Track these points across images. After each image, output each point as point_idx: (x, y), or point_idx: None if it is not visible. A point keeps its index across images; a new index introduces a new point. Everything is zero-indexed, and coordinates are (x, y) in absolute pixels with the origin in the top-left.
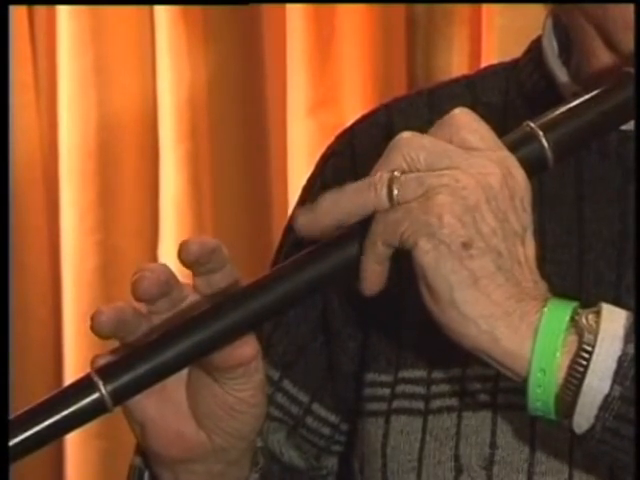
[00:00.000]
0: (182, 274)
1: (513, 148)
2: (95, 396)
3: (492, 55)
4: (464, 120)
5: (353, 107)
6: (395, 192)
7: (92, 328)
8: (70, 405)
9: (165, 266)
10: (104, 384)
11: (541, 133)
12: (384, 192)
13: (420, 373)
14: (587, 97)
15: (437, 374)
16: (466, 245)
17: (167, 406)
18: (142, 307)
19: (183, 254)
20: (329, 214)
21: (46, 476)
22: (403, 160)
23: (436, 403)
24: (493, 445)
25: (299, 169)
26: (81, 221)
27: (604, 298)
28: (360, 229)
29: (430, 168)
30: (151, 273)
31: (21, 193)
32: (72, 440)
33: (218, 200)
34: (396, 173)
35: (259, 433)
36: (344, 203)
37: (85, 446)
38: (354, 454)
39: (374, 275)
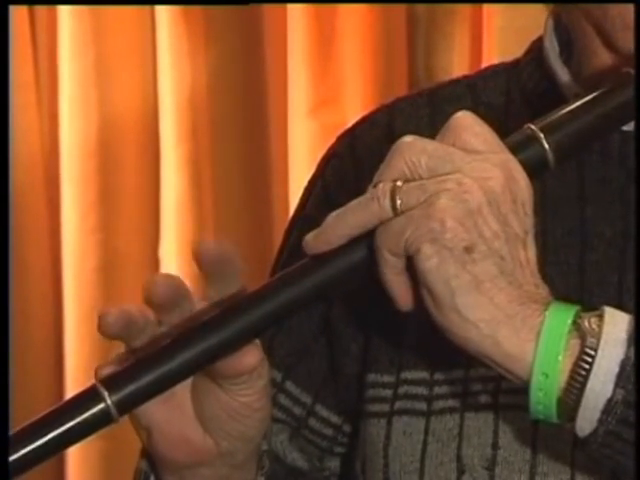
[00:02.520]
0: (183, 265)
1: (514, 150)
2: (100, 406)
3: (493, 55)
4: (466, 123)
5: (354, 107)
6: (398, 202)
7: (99, 328)
8: (75, 416)
9: (178, 277)
10: (109, 394)
11: (542, 135)
12: (387, 203)
13: (422, 374)
14: (588, 99)
15: (439, 375)
16: (468, 249)
17: (173, 411)
18: (150, 313)
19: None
20: (336, 231)
21: (47, 476)
22: (405, 165)
23: (438, 404)
24: (495, 446)
25: (300, 169)
26: (82, 221)
27: (606, 299)
28: (362, 235)
29: (432, 172)
30: (164, 281)
31: (22, 193)
32: None
33: (219, 200)
34: (398, 183)
35: (264, 436)
36: (349, 218)
37: (86, 447)
38: (356, 455)
39: (399, 287)
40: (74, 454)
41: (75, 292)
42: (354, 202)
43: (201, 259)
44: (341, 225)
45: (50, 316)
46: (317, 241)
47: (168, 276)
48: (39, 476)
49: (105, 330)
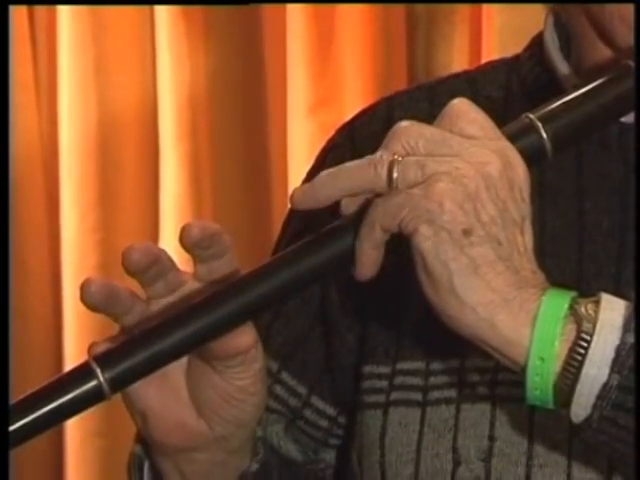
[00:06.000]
0: (182, 265)
1: (512, 139)
2: (93, 383)
3: (492, 55)
4: (463, 110)
5: (353, 107)
6: (395, 175)
7: (81, 298)
8: (68, 392)
9: (158, 247)
10: (102, 371)
11: (540, 124)
12: (384, 173)
13: (418, 365)
14: (586, 89)
15: (435, 366)
16: (466, 232)
17: (167, 394)
18: (140, 291)
19: (184, 237)
20: (326, 187)
21: (46, 474)
22: (402, 148)
23: (434, 395)
24: (491, 437)
25: (299, 169)
26: (81, 220)
27: (604, 290)
28: (358, 217)
29: (430, 155)
30: (139, 245)
31: (21, 192)
32: (72, 438)
33: (218, 199)
34: (397, 157)
35: (259, 422)
36: (342, 178)
37: (85, 444)
38: (352, 446)
39: (370, 260)
40: (73, 451)
41: (75, 292)
42: (350, 164)
43: (183, 238)
44: (332, 184)
45: (50, 316)
46: (304, 196)
47: (146, 244)
48: (39, 473)
49: (87, 299)
